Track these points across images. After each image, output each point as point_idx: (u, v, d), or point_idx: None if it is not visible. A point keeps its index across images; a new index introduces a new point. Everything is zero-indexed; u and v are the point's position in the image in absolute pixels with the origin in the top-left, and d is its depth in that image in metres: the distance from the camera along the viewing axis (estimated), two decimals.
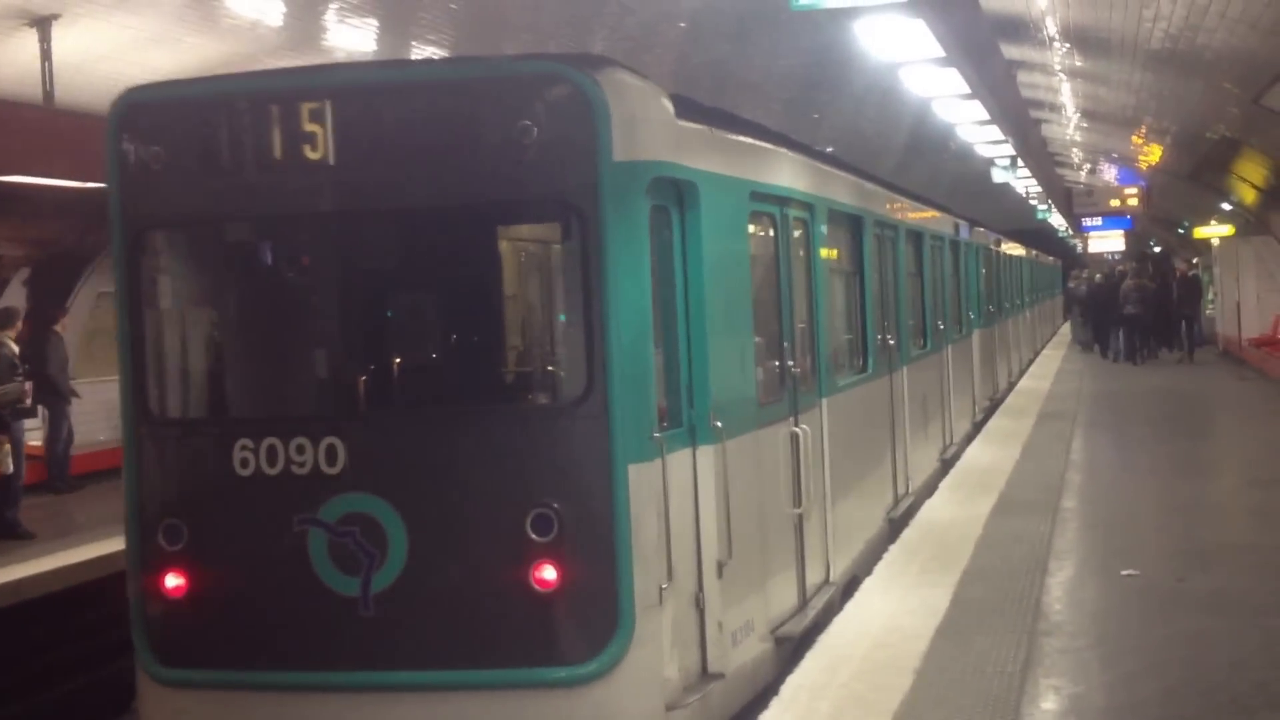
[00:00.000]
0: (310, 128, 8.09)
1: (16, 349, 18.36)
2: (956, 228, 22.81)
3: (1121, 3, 21.23)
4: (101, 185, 19.62)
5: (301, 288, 9.36)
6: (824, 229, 12.01)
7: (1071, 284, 49.24)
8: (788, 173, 11.26)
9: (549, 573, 7.81)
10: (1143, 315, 36.52)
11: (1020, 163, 36.77)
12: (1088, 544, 13.30)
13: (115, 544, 16.49)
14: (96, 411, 23.62)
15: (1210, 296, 43.99)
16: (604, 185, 7.93)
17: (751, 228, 10.22)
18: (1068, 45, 27.69)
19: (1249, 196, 35.79)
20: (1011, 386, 30.72)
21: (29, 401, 18.69)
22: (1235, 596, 10.98)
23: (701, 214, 8.84)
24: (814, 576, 11.02)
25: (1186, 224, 48.72)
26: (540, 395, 9.10)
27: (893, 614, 10.50)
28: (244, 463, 8.12)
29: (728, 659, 8.82)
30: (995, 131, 27.45)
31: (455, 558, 7.98)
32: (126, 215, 8.61)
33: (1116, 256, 64.51)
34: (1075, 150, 48.31)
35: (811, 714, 8.28)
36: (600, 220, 7.93)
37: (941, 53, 16.28)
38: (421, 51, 24.14)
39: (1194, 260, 48.11)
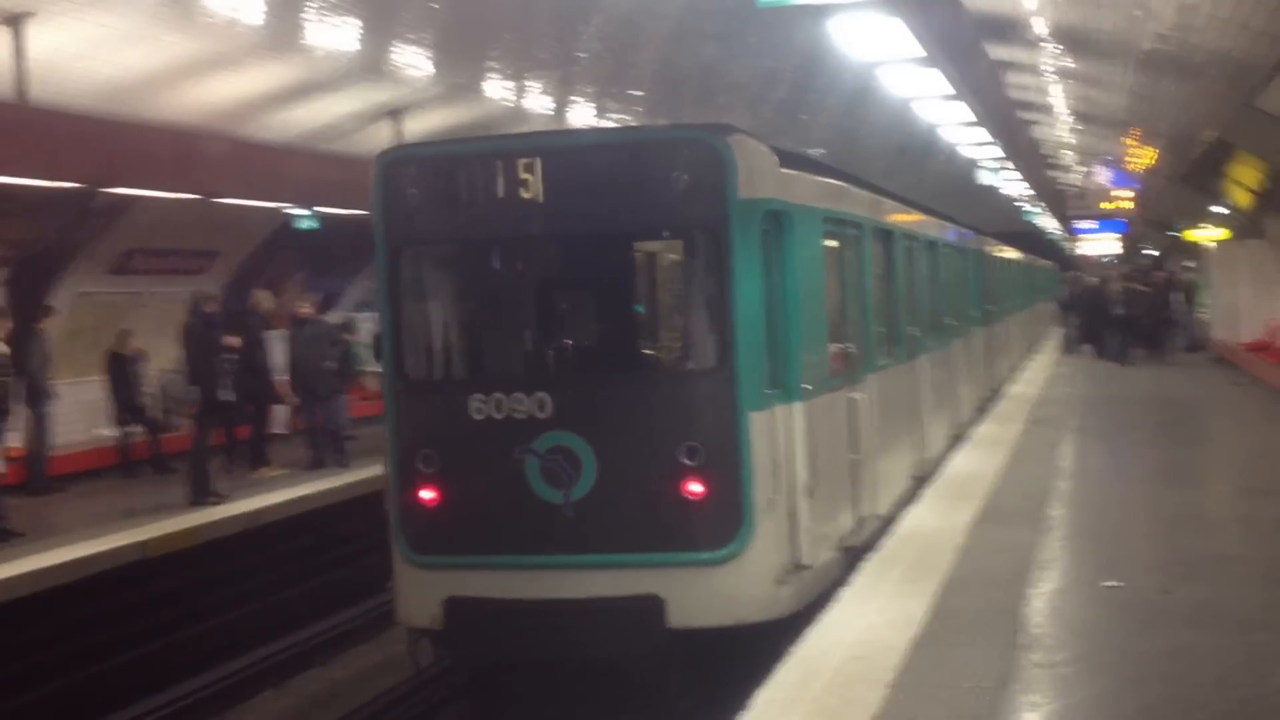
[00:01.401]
0: (525, 176, 11.32)
1: (7, 349, 18.27)
2: (964, 236, 25.11)
3: (1110, 2, 21.12)
4: (75, 185, 19.30)
5: (518, 288, 12.76)
6: (869, 243, 15.17)
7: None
8: (845, 201, 14.40)
9: (696, 487, 11.05)
10: (1130, 317, 36.83)
11: (1008, 164, 36.68)
12: (1072, 554, 13.08)
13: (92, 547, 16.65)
14: (74, 413, 23.45)
15: (1205, 300, 43.87)
16: (732, 216, 11.15)
17: (823, 244, 13.24)
18: (1058, 46, 27.59)
19: (1243, 200, 35.67)
20: (1011, 376, 32.38)
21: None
22: (1221, 609, 10.77)
23: (794, 235, 11.90)
24: (865, 510, 13.87)
25: (1180, 228, 48.58)
26: (688, 363, 12.35)
27: (869, 625, 10.34)
28: (478, 410, 11.33)
29: (814, 556, 11.80)
30: (982, 133, 27.31)
31: (630, 476, 11.21)
32: (389, 236, 11.86)
33: (1112, 259, 64.56)
34: (1067, 152, 48.25)
35: None
36: (730, 241, 11.18)
37: (922, 52, 16.12)
38: (401, 52, 23.99)
39: (1189, 264, 48.00)
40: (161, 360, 24.46)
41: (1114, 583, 11.58)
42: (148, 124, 21.16)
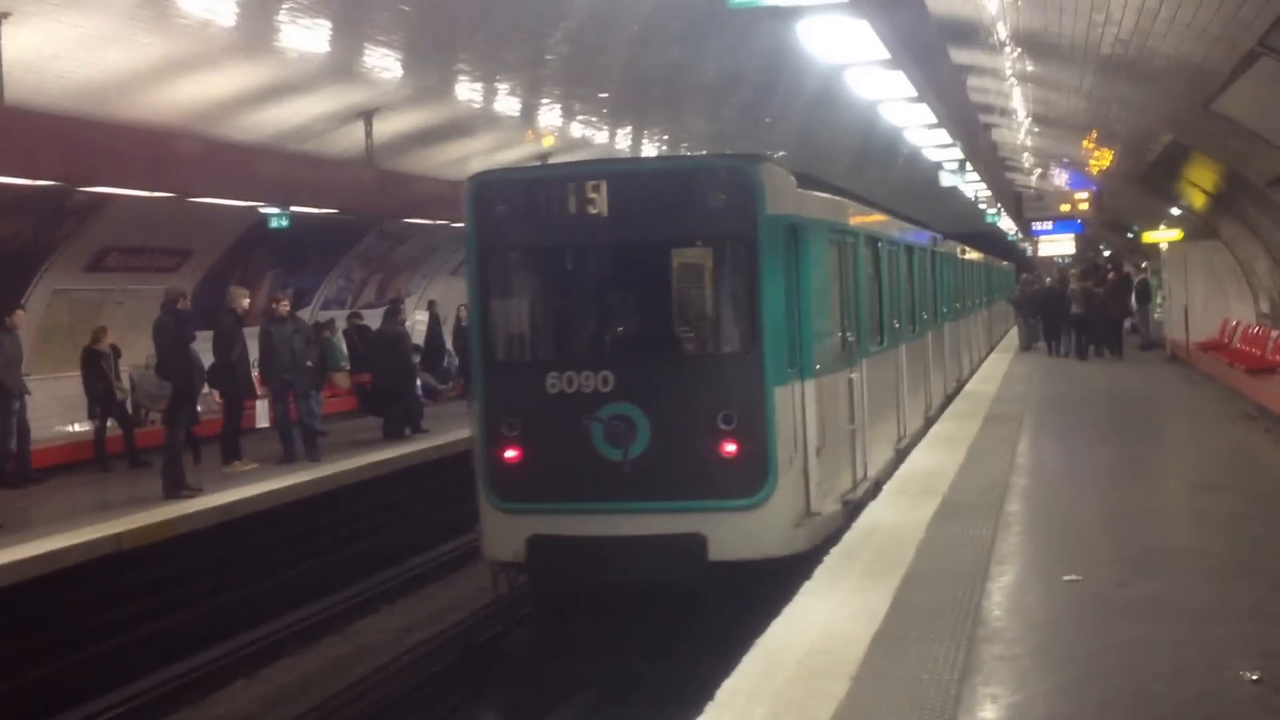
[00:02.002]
0: (592, 195, 13.85)
1: None
2: (934, 240, 27.51)
3: (1072, 7, 21.32)
4: (51, 184, 19.36)
5: (586, 285, 15.08)
6: (862, 249, 17.75)
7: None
8: (844, 214, 17.08)
9: (731, 447, 13.52)
10: (1087, 316, 37.88)
11: (970, 166, 36.92)
12: (1030, 549, 13.29)
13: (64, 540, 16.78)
14: (50, 408, 23.57)
15: (1159, 300, 44.20)
16: (761, 229, 13.64)
17: (828, 249, 15.63)
18: (1019, 50, 27.79)
19: (1198, 202, 35.95)
20: (974, 371, 34.93)
21: None
22: (1177, 603, 10.93)
23: (808, 244, 14.39)
24: (859, 473, 16.52)
25: (1136, 228, 48.87)
26: (724, 347, 14.50)
27: (831, 618, 10.51)
28: (552, 385, 13.81)
29: (822, 506, 14.38)
30: (944, 135, 27.55)
31: (678, 438, 13.59)
32: (480, 243, 14.43)
33: (1066, 260, 64.82)
34: (1026, 155, 48.44)
35: (746, 718, 8.33)
36: (759, 249, 13.65)
37: (887, 55, 16.38)
38: (373, 52, 24.11)
39: (1144, 265, 48.24)
40: (135, 356, 24.65)
41: (1072, 577, 11.76)
42: (123, 124, 21.29)
